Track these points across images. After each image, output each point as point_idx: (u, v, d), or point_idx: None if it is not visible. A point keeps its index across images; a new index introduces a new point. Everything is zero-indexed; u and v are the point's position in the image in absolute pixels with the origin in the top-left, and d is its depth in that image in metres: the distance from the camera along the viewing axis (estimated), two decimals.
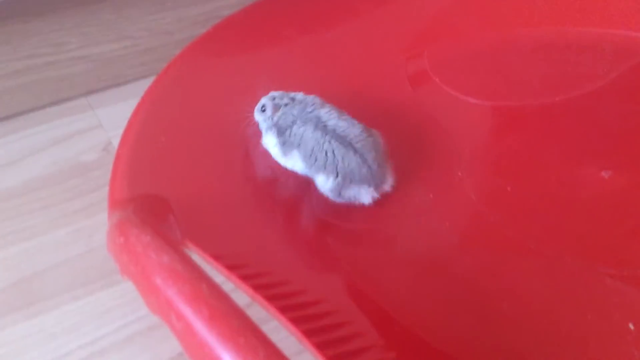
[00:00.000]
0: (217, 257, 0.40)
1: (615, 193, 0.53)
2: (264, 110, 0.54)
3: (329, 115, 0.52)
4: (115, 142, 0.64)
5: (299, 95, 0.54)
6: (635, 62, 0.68)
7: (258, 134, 0.56)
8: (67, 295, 0.49)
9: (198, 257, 0.40)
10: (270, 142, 0.54)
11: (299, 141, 0.52)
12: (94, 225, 0.55)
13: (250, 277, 0.40)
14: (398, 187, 0.55)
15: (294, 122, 0.53)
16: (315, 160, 0.52)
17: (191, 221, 0.44)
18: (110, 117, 0.68)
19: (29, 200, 0.58)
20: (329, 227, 0.52)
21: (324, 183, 0.52)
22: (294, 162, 0.53)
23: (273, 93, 0.55)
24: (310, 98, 0.54)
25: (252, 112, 0.55)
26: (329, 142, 0.51)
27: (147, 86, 0.65)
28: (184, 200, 0.46)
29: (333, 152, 0.51)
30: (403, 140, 0.60)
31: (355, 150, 0.51)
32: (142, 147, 0.50)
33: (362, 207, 0.53)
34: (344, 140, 0.51)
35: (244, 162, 0.56)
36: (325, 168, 0.51)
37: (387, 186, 0.53)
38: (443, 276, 0.48)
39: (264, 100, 0.55)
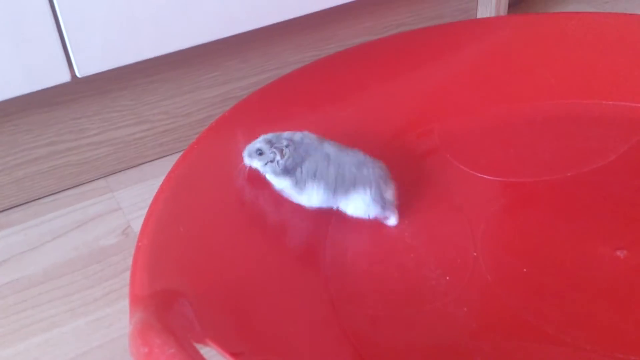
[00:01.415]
0: (236, 355, 0.41)
1: (631, 273, 0.53)
2: (260, 154, 0.57)
3: (333, 149, 0.58)
4: (134, 225, 0.65)
5: (295, 135, 0.58)
6: None
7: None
8: None
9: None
10: (285, 185, 0.58)
11: (316, 174, 0.57)
12: (113, 313, 0.56)
13: None
14: (413, 268, 0.56)
15: (303, 160, 0.57)
16: (344, 182, 0.57)
17: (210, 316, 0.45)
18: (129, 198, 0.69)
19: (49, 288, 0.59)
20: (346, 313, 0.52)
21: (362, 198, 0.57)
22: (313, 197, 0.58)
23: (265, 136, 0.58)
24: (306, 135, 0.58)
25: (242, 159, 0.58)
26: (349, 169, 0.57)
27: (165, 166, 0.67)
28: (203, 293, 0.47)
29: (358, 170, 0.57)
30: (416, 218, 0.61)
31: (372, 164, 0.57)
32: (161, 239, 0.51)
33: (377, 291, 0.54)
34: (359, 163, 0.57)
35: (262, 247, 0.57)
36: (358, 184, 0.57)
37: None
38: None
39: (257, 144, 0.58)
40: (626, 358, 0.46)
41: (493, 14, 0.90)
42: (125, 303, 0.56)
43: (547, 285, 0.53)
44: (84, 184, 0.72)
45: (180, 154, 0.61)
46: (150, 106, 0.72)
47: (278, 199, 0.60)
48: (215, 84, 0.75)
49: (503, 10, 0.91)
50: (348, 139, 0.69)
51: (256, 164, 0.58)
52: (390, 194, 0.58)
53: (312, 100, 0.73)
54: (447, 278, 0.55)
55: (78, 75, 0.61)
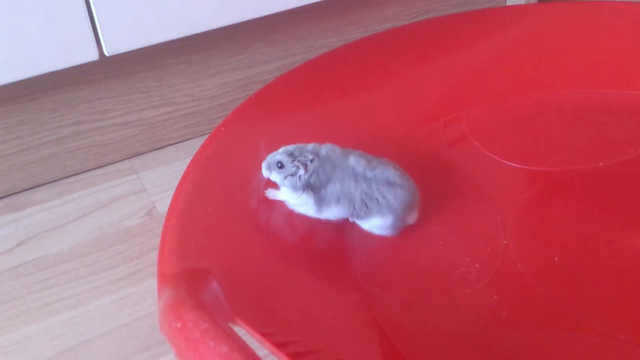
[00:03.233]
0: (265, 335, 0.40)
1: None
2: (281, 167, 0.54)
3: (360, 163, 0.54)
4: (159, 206, 0.65)
5: (321, 149, 0.55)
6: None
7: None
8: None
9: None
10: (305, 202, 0.55)
11: (340, 195, 0.54)
12: (139, 293, 0.55)
13: (298, 355, 0.40)
14: (442, 256, 0.55)
15: (328, 179, 0.54)
16: (367, 208, 0.54)
17: (239, 295, 0.44)
18: (154, 180, 0.69)
19: (75, 266, 0.59)
20: (373, 297, 0.51)
21: (382, 224, 0.55)
22: (331, 215, 0.56)
23: (287, 148, 0.55)
24: (331, 149, 0.55)
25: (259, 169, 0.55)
26: (377, 189, 0.53)
27: (189, 149, 0.66)
28: (231, 273, 0.46)
29: (382, 194, 0.54)
30: (445, 206, 0.60)
31: (400, 186, 0.54)
32: (189, 219, 0.50)
33: (407, 276, 0.53)
34: (387, 182, 0.54)
35: (289, 230, 0.56)
36: (380, 211, 0.54)
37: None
38: (492, 352, 0.47)
39: (277, 156, 0.54)
40: None
41: (523, 2, 0.89)
42: (150, 283, 0.56)
43: (579, 274, 0.52)
44: (108, 164, 0.72)
45: (204, 137, 0.60)
46: (175, 88, 0.71)
47: None
48: (241, 67, 0.75)
49: None
50: (374, 126, 0.68)
51: (275, 177, 0.54)
52: (412, 218, 0.57)
53: (339, 85, 0.72)
54: (477, 266, 0.54)
55: (106, 53, 0.61)
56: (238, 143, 0.60)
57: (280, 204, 0.56)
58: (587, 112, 0.71)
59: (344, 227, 0.57)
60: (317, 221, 0.57)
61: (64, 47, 0.58)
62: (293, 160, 0.54)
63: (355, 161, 0.54)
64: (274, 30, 0.75)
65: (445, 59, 0.76)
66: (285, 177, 0.54)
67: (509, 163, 0.65)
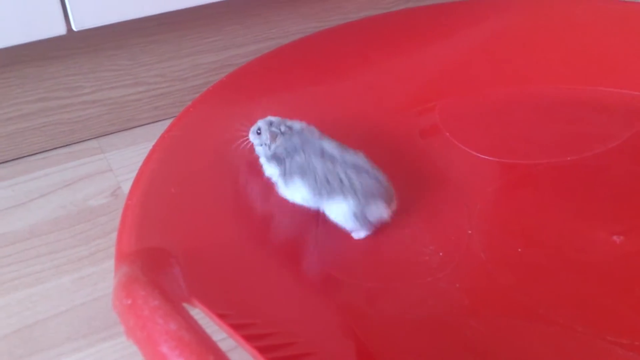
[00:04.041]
0: (222, 316, 0.40)
1: (626, 259, 0.52)
2: (259, 133, 0.55)
3: (332, 146, 0.54)
4: (125, 187, 0.64)
5: (297, 124, 0.55)
6: None
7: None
8: (69, 346, 0.48)
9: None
10: (272, 173, 0.56)
11: (305, 169, 0.54)
12: (99, 272, 0.54)
13: (255, 337, 0.39)
14: (407, 244, 0.55)
15: (295, 151, 0.54)
16: (328, 185, 0.53)
17: (198, 276, 0.44)
18: (121, 161, 0.68)
19: (36, 244, 0.58)
20: (336, 283, 0.51)
21: (342, 207, 0.53)
22: (297, 192, 0.55)
23: (270, 118, 0.56)
24: (307, 128, 0.55)
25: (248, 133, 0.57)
26: (341, 167, 0.53)
27: (159, 130, 0.65)
28: (191, 254, 0.46)
29: (347, 175, 0.53)
30: (413, 195, 0.59)
31: (368, 172, 0.53)
32: (152, 198, 0.49)
33: (370, 263, 0.53)
34: (354, 166, 0.53)
35: (254, 213, 0.56)
36: (342, 192, 0.53)
37: (394, 205, 0.55)
38: (452, 339, 0.47)
39: (260, 122, 0.56)
40: (616, 341, 0.46)
41: None
42: (110, 263, 0.55)
43: (541, 266, 0.53)
44: (75, 143, 0.71)
45: (175, 119, 0.60)
46: (147, 67, 0.70)
47: None
48: (215, 49, 0.74)
49: None
50: (347, 113, 0.68)
51: (254, 141, 0.56)
52: (381, 212, 0.54)
53: (312, 71, 0.71)
54: (441, 254, 0.54)
55: (74, 28, 0.60)
56: (205, 125, 0.60)
57: (246, 187, 0.56)
58: (558, 107, 0.71)
59: (309, 214, 0.56)
60: (285, 205, 0.56)
61: (30, 20, 0.57)
62: (268, 129, 0.55)
63: (327, 143, 0.54)
64: (249, 14, 0.74)
65: (421, 49, 0.76)
66: (260, 145, 0.56)
67: (479, 154, 0.65)
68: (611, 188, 0.60)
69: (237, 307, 0.42)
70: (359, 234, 0.55)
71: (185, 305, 0.40)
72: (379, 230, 0.56)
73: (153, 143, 0.56)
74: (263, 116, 0.57)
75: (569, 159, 0.64)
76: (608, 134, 0.66)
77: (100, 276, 0.54)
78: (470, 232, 0.56)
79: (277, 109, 0.65)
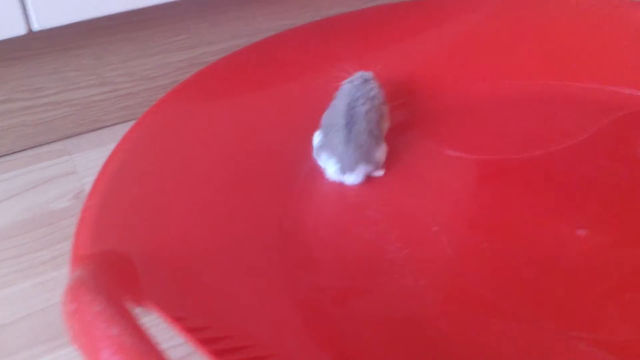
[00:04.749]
0: (178, 319, 0.39)
1: (590, 253, 0.52)
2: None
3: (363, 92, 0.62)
4: (89, 189, 0.63)
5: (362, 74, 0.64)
6: (615, 117, 0.68)
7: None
8: (27, 353, 0.47)
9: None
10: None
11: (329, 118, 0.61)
12: (60, 277, 0.54)
13: (211, 340, 0.39)
14: (373, 241, 0.54)
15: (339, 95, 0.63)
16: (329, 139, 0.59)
17: (154, 279, 0.43)
18: (87, 162, 0.67)
19: None
20: (299, 282, 0.51)
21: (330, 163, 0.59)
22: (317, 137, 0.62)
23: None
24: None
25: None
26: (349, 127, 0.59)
27: (125, 131, 0.64)
28: (149, 257, 0.45)
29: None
30: (382, 191, 0.59)
31: (376, 137, 0.61)
32: (111, 200, 0.49)
33: (334, 261, 0.52)
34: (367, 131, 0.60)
35: (215, 214, 0.55)
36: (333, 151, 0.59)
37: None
38: (417, 336, 0.46)
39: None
40: (579, 336, 0.46)
41: None
42: None
43: (506, 261, 0.52)
44: (40, 145, 0.69)
45: (138, 120, 0.59)
46: (113, 67, 0.69)
47: (241, 159, 0.59)
48: (183, 47, 0.73)
49: None
50: (316, 111, 0.67)
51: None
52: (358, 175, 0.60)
53: (283, 69, 0.71)
54: (407, 251, 0.53)
55: (34, 28, 0.58)
56: (170, 125, 0.59)
57: (207, 188, 0.55)
58: (528, 102, 0.71)
59: (274, 212, 0.56)
60: (246, 205, 0.56)
61: None
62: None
63: (370, 88, 0.62)
64: (219, 11, 0.73)
65: (392, 46, 0.76)
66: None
67: (447, 150, 0.64)
68: (577, 182, 0.60)
69: (193, 310, 0.42)
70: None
71: (140, 309, 0.40)
72: (347, 227, 0.56)
73: None
74: (229, 117, 0.57)
75: (537, 153, 0.64)
76: (576, 129, 0.66)
77: (60, 281, 0.53)
78: (436, 228, 0.55)
79: (243, 109, 0.65)
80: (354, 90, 0.61)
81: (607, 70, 0.72)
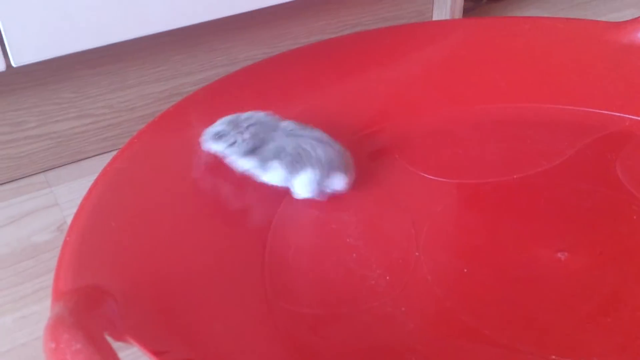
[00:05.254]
0: (159, 353, 0.39)
1: (570, 276, 0.53)
2: (222, 137, 0.58)
3: (293, 125, 0.59)
4: (70, 222, 0.63)
5: (257, 114, 0.60)
6: (592, 139, 0.69)
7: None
8: None
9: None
10: (249, 166, 0.59)
11: (279, 152, 0.58)
12: (42, 311, 0.54)
13: None
14: (354, 267, 0.55)
15: (267, 137, 0.58)
16: (300, 159, 0.58)
17: (135, 313, 0.43)
18: (68, 194, 0.67)
19: None
20: (280, 311, 0.51)
21: (309, 178, 0.58)
22: (275, 175, 0.59)
23: (225, 118, 0.59)
24: (265, 114, 0.60)
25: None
26: (308, 143, 0.58)
27: (106, 162, 0.65)
28: (129, 291, 0.45)
29: (312, 146, 0.58)
30: (360, 217, 0.60)
31: (329, 144, 0.59)
32: (91, 234, 0.49)
33: (314, 289, 0.53)
34: (317, 139, 0.59)
35: (195, 245, 0.55)
36: (311, 164, 0.57)
37: (352, 175, 0.61)
38: None
39: (219, 126, 0.58)
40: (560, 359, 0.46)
41: (448, 17, 0.90)
42: None
43: (487, 286, 0.53)
44: (21, 178, 0.70)
45: (118, 151, 0.59)
46: (93, 99, 0.70)
47: (220, 190, 0.60)
48: (162, 78, 0.74)
49: (458, 14, 0.91)
50: None
51: (218, 147, 0.58)
52: (339, 183, 0.60)
53: (261, 98, 0.71)
54: (387, 278, 0.54)
55: (13, 64, 0.59)
56: (149, 156, 0.59)
57: (187, 219, 0.56)
58: (503, 126, 0.72)
59: (256, 238, 0.56)
60: (229, 235, 0.56)
61: None
62: (233, 129, 0.57)
63: (288, 123, 0.59)
64: (196, 42, 0.74)
65: (369, 73, 0.77)
66: (229, 146, 0.58)
67: (426, 175, 0.65)
68: (556, 205, 0.61)
69: (174, 343, 0.42)
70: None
71: (122, 342, 0.40)
72: (327, 253, 0.56)
73: None
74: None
75: (514, 177, 0.65)
76: (553, 151, 0.67)
77: (42, 315, 0.53)
78: (417, 254, 0.56)
79: None
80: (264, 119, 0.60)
81: (582, 92, 0.74)
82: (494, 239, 0.58)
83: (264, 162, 0.58)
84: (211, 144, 0.58)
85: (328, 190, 0.60)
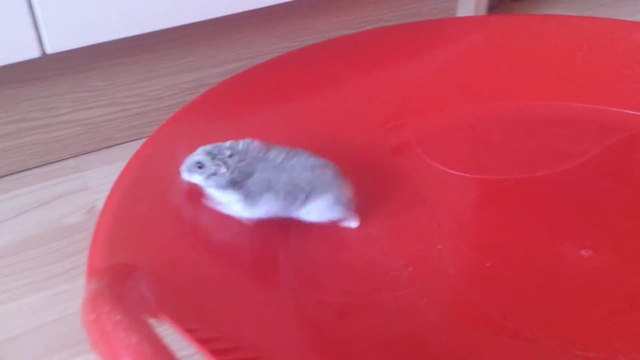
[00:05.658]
0: (190, 330, 0.40)
1: (593, 273, 0.53)
2: (200, 167, 0.52)
3: (281, 153, 0.54)
4: (100, 205, 0.64)
5: (239, 144, 0.54)
6: (617, 139, 0.69)
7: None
8: None
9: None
10: (230, 199, 0.53)
11: (271, 184, 0.53)
12: (73, 289, 0.55)
13: (221, 351, 0.40)
14: (377, 258, 0.56)
15: (251, 174, 0.53)
16: (301, 188, 0.53)
17: (167, 291, 0.45)
18: (98, 179, 0.69)
19: (11, 262, 0.58)
20: (306, 299, 0.52)
21: (325, 201, 0.54)
22: (263, 209, 0.54)
23: (204, 148, 0.53)
24: (250, 143, 0.54)
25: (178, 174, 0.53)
26: (299, 176, 0.53)
27: (135, 149, 0.66)
28: (161, 270, 0.46)
29: (309, 181, 0.54)
30: (384, 211, 0.61)
31: (320, 167, 0.55)
32: (123, 216, 0.50)
33: (338, 279, 0.54)
34: (306, 168, 0.54)
35: (225, 229, 0.56)
36: (320, 189, 0.54)
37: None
38: (419, 353, 0.48)
39: (197, 156, 0.53)
40: (583, 355, 0.47)
41: (472, 14, 0.91)
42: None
43: (509, 280, 0.54)
44: (53, 162, 0.71)
45: (148, 138, 0.61)
46: (122, 88, 0.71)
47: None
48: (189, 69, 0.75)
49: (482, 11, 0.92)
50: (319, 131, 0.69)
51: (196, 178, 0.53)
52: (349, 192, 0.56)
53: (284, 91, 0.72)
54: (410, 269, 0.55)
55: (48, 51, 0.60)
56: (178, 144, 0.60)
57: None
58: (528, 123, 0.72)
59: (280, 229, 0.57)
60: (257, 222, 0.57)
61: (3, 44, 0.58)
62: (213, 159, 0.52)
63: (275, 152, 0.54)
64: (222, 34, 0.75)
65: (393, 68, 0.77)
66: (208, 177, 0.52)
67: (449, 170, 0.66)
68: (580, 203, 0.61)
69: (204, 321, 0.43)
70: (352, 222, 0.58)
71: (153, 320, 0.41)
72: (350, 245, 0.57)
73: None
74: (235, 136, 0.57)
75: (538, 174, 0.65)
76: (578, 150, 0.68)
77: (74, 293, 0.55)
78: (439, 247, 0.57)
79: (248, 129, 0.66)
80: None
81: (608, 91, 0.74)
82: (516, 234, 0.58)
83: (251, 195, 0.53)
84: (190, 175, 0.53)
85: (350, 204, 0.57)
